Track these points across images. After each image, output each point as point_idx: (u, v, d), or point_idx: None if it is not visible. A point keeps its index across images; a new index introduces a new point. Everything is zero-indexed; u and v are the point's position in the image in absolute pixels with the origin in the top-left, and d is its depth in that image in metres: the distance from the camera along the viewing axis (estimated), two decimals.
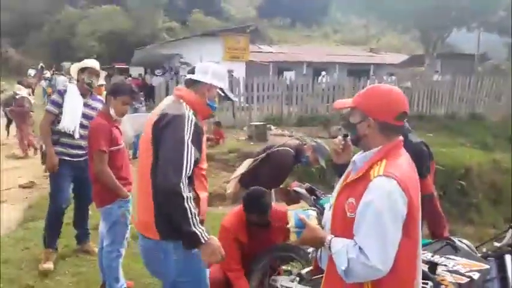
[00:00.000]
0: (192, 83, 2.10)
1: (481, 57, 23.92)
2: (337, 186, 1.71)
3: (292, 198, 3.37)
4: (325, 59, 26.27)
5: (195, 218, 1.85)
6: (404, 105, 1.60)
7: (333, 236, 1.57)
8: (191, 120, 1.93)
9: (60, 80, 18.94)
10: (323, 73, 17.97)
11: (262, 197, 3.03)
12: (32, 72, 28.53)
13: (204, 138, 2.07)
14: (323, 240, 1.57)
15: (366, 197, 1.47)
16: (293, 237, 1.68)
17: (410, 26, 19.49)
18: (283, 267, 3.30)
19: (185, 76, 2.23)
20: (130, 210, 3.19)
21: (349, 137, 1.74)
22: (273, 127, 11.29)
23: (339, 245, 1.51)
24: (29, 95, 10.45)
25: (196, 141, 1.93)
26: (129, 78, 17.06)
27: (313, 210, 1.74)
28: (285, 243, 2.98)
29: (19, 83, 21.76)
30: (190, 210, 1.83)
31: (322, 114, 12.77)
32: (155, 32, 33.88)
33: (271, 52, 26.21)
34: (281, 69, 22.34)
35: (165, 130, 1.92)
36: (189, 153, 1.87)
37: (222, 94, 2.14)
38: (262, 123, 10.53)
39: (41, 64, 33.52)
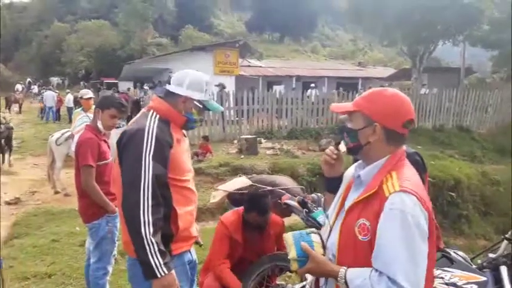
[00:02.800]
0: (168, 94, 2.01)
1: (467, 71, 24.39)
2: (334, 205, 1.54)
3: (284, 211, 3.32)
4: (314, 73, 26.52)
5: (153, 246, 1.71)
6: (412, 112, 1.45)
7: (345, 268, 1.35)
8: (152, 133, 1.82)
9: (49, 95, 18.87)
10: (312, 85, 18.09)
11: (264, 197, 3.04)
12: (19, 87, 28.35)
13: (181, 148, 1.97)
14: (335, 275, 1.36)
15: (386, 218, 1.29)
16: (294, 267, 1.44)
17: (397, 39, 19.80)
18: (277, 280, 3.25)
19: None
20: (118, 226, 3.12)
21: (341, 146, 1.57)
22: (263, 140, 11.28)
23: (359, 279, 1.30)
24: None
25: (159, 155, 1.80)
26: (115, 93, 16.98)
27: (315, 233, 1.50)
28: (286, 253, 2.92)
29: (7, 98, 21.58)
30: (146, 237, 1.69)
31: (312, 127, 12.81)
32: (144, 47, 33.98)
33: (261, 66, 26.38)
34: (270, 83, 22.49)
35: (125, 147, 1.84)
36: (148, 170, 1.75)
37: (200, 106, 2.02)
38: (252, 136, 10.51)
39: (29, 79, 33.31)
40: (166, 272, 1.74)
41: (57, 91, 21.15)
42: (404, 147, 1.48)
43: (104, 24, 35.73)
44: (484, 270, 2.19)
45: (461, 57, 22.98)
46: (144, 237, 1.71)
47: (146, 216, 1.72)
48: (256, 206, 3.01)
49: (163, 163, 1.84)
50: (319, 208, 3.03)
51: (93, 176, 2.94)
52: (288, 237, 1.48)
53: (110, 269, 3.14)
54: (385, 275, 1.27)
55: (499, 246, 2.23)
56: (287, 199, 3.23)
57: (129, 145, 1.82)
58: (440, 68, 28.21)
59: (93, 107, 5.66)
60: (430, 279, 1.38)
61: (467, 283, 2.09)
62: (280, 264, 3.05)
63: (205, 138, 10.10)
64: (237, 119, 12.36)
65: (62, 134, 7.11)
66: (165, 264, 1.74)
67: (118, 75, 24.90)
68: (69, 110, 17.10)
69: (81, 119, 5.97)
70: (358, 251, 1.35)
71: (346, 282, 1.33)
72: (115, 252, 3.19)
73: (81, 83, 29.42)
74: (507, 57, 19.30)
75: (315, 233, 1.49)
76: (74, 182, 3.16)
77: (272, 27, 45.68)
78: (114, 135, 5.29)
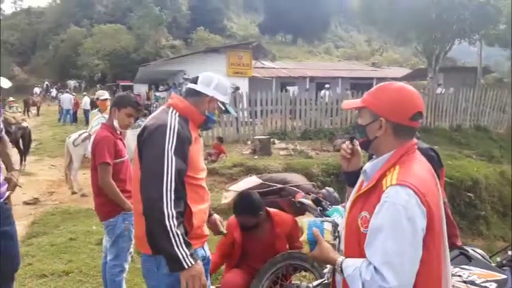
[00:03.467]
0: (193, 93, 2.05)
1: (484, 70, 23.97)
2: (350, 198, 1.56)
3: (298, 209, 3.30)
4: (327, 73, 26.37)
5: (179, 238, 1.71)
6: (419, 104, 1.44)
7: (343, 258, 1.41)
8: (173, 129, 1.84)
9: (66, 98, 19.21)
10: (327, 86, 17.98)
11: (251, 199, 3.03)
12: (37, 90, 28.93)
13: (197, 147, 2.00)
14: (333, 262, 1.43)
15: (379, 209, 1.32)
16: (306, 249, 1.55)
17: (412, 39, 19.58)
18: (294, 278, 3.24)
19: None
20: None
21: (356, 141, 1.60)
22: (276, 141, 11.27)
23: (351, 269, 1.35)
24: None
25: (180, 151, 1.83)
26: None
27: (330, 222, 1.57)
28: (300, 252, 2.93)
29: (25, 101, 22.02)
30: (171, 230, 1.70)
31: (326, 127, 12.76)
32: (158, 49, 34.37)
33: (274, 68, 26.36)
34: (284, 84, 22.44)
35: (146, 142, 1.85)
36: (170, 165, 1.77)
37: (223, 108, 2.08)
38: (266, 137, 10.51)
39: (47, 82, 33.94)
40: (193, 262, 1.75)
41: (74, 94, 21.50)
42: (415, 140, 1.48)
43: (119, 28, 36.23)
44: (504, 268, 2.15)
45: (477, 57, 22.60)
46: (170, 229, 1.72)
47: (170, 209, 1.74)
48: (243, 208, 3.02)
49: (184, 159, 1.87)
50: (334, 206, 3.01)
51: (110, 173, 2.97)
52: (304, 223, 1.58)
53: (127, 266, 3.16)
54: (372, 265, 1.30)
55: None
56: (301, 197, 3.21)
57: (151, 140, 1.84)
58: (456, 67, 27.75)
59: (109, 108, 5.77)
60: (433, 279, 1.37)
61: (486, 281, 2.04)
62: (294, 263, 3.04)
63: (220, 139, 10.14)
64: (250, 120, 12.39)
65: (79, 135, 7.22)
66: (191, 255, 1.75)
67: (133, 77, 25.19)
68: (86, 113, 17.37)
69: (98, 120, 6.07)
70: (361, 241, 1.38)
71: (342, 271, 1.39)
72: (131, 249, 3.22)
73: (98, 85, 29.86)
74: None
75: (330, 221, 1.57)
76: (90, 180, 3.20)
77: (285, 29, 45.67)
78: (130, 135, 5.38)
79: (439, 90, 16.68)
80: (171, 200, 1.75)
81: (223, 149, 9.83)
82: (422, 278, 1.32)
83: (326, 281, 2.52)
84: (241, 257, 3.18)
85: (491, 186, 9.76)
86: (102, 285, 3.35)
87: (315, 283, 2.73)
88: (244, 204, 3.03)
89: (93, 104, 13.43)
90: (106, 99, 6.11)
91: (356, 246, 1.40)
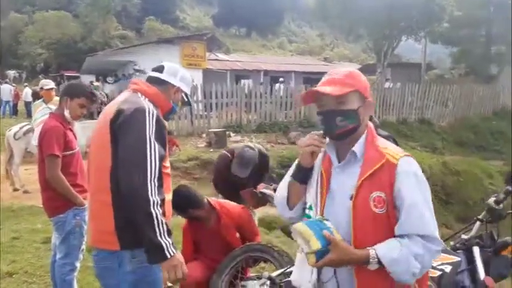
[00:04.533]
0: (158, 82, 1.96)
1: (427, 67, 25.30)
2: (315, 193, 1.47)
3: (259, 200, 3.28)
4: (281, 67, 26.62)
5: (162, 226, 1.64)
6: None
7: (373, 248, 1.33)
8: (152, 114, 1.75)
9: (5, 89, 17.92)
10: (281, 79, 18.14)
11: (180, 195, 2.88)
12: None
13: (167, 136, 1.92)
14: (364, 258, 1.32)
15: (404, 182, 1.35)
16: (312, 261, 1.32)
17: (363, 36, 20.28)
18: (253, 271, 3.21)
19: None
20: (86, 219, 2.98)
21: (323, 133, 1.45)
22: (232, 134, 11.21)
23: (394, 252, 1.31)
24: None
25: (160, 137, 1.75)
26: None
27: (326, 219, 1.39)
28: (259, 243, 2.90)
29: None
30: (157, 218, 1.63)
31: (280, 121, 12.88)
32: (107, 39, 32.89)
33: (228, 60, 26.20)
34: (238, 77, 22.37)
35: (124, 126, 1.72)
36: (153, 151, 1.69)
37: (186, 99, 2.07)
38: (221, 130, 10.41)
39: None
40: (174, 251, 1.68)
41: (14, 85, 20.10)
42: None
43: (64, 15, 34.21)
44: (458, 251, 2.25)
45: (422, 53, 23.81)
46: (155, 218, 1.63)
47: (154, 196, 1.65)
48: (175, 205, 2.92)
49: (164, 145, 1.80)
50: None
51: (59, 166, 2.78)
52: (303, 228, 1.34)
53: (78, 265, 2.99)
54: (415, 236, 1.32)
55: (472, 228, 2.29)
56: (262, 188, 3.19)
57: (131, 124, 1.73)
58: (402, 63, 29.05)
59: (55, 98, 5.40)
60: None
61: (442, 264, 2.13)
62: (254, 255, 3.01)
63: (169, 132, 9.89)
64: (205, 113, 12.22)
65: (20, 128, 6.77)
66: (172, 244, 1.68)
67: (79, 68, 23.99)
68: (27, 105, 16.36)
69: (42, 111, 5.67)
70: (378, 225, 1.36)
71: (379, 261, 1.32)
72: (83, 247, 3.04)
73: (40, 76, 28.09)
74: (465, 53, 20.18)
75: (325, 219, 1.39)
76: (38, 174, 2.98)
77: (239, 22, 45.48)
78: (79, 128, 5.08)
79: (387, 84, 17.37)
80: (155, 187, 1.66)
81: (175, 141, 9.57)
82: None
83: (288, 270, 2.52)
84: (195, 248, 3.15)
85: (435, 176, 10.30)
86: (50, 286, 3.15)
87: (277, 273, 2.72)
88: (173, 200, 2.90)
89: (36, 95, 12.65)
90: (51, 88, 5.72)
91: (370, 231, 1.36)
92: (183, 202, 2.89)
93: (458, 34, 19.98)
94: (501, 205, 2.18)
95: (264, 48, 42.76)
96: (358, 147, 1.44)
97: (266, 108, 12.90)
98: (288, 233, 3.14)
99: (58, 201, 2.85)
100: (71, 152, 2.89)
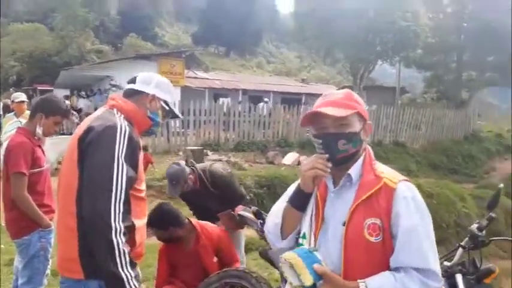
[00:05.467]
0: (132, 94, 1.84)
1: (401, 91, 26.04)
2: (310, 221, 1.37)
3: (237, 222, 3.18)
4: (259, 87, 26.81)
5: (124, 257, 1.51)
6: None
7: (363, 281, 1.22)
8: (124, 132, 1.62)
9: None
10: (266, 99, 18.15)
11: (163, 212, 2.86)
12: None
13: (141, 155, 1.78)
14: None
15: (402, 208, 1.24)
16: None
17: (340, 59, 20.77)
18: None
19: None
20: (52, 242, 2.80)
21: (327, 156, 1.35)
22: (209, 152, 11.08)
23: (387, 287, 1.21)
24: None
25: (131, 157, 1.62)
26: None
27: (315, 250, 1.29)
28: (236, 269, 2.78)
29: None
30: (119, 247, 1.50)
31: (259, 140, 12.86)
32: (84, 53, 32.39)
33: (207, 78, 26.20)
34: (217, 95, 22.35)
35: (92, 145, 1.59)
36: (120, 173, 1.56)
37: (167, 108, 1.90)
38: (199, 148, 10.27)
39: None
40: (137, 285, 1.55)
41: None
42: None
43: (39, 27, 33.63)
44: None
45: (397, 77, 24.52)
46: (116, 247, 1.49)
47: (118, 223, 1.51)
48: (153, 223, 2.74)
49: (135, 167, 1.65)
50: None
51: (25, 185, 2.61)
52: (294, 258, 1.22)
53: None
54: (412, 270, 1.21)
55: (454, 255, 2.25)
56: (241, 210, 3.09)
57: (99, 143, 1.59)
58: (378, 86, 29.84)
59: (26, 112, 5.18)
60: None
61: None
62: (231, 281, 2.89)
63: (144, 147, 9.66)
64: (182, 130, 12.07)
65: None
66: (135, 277, 1.54)
67: (53, 82, 23.44)
68: None
69: (13, 125, 5.42)
70: (372, 255, 1.25)
71: None
72: (48, 271, 2.85)
73: (11, 89, 27.28)
74: (438, 78, 20.89)
75: (315, 250, 1.29)
76: (1, 192, 2.79)
77: (218, 41, 45.82)
78: (49, 144, 4.86)
79: None
80: (119, 213, 1.52)
81: (150, 158, 9.36)
82: None
83: None
84: (171, 272, 3.03)
85: None
86: None
87: None
88: (155, 217, 2.76)
89: (6, 109, 12.21)
90: (23, 101, 5.51)
91: (364, 262, 1.25)
92: (165, 219, 2.81)
93: (431, 60, 20.74)
94: (484, 232, 2.16)
95: (242, 68, 43.12)
96: (354, 170, 1.34)
97: (244, 127, 12.88)
98: (264, 256, 3.03)
99: (23, 221, 2.68)
100: (38, 169, 2.74)
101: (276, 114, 13.60)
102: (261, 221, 2.90)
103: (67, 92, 22.55)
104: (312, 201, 1.40)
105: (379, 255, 1.25)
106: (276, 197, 8.62)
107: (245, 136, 12.79)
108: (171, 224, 2.85)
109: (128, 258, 1.53)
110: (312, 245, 1.34)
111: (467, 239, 2.21)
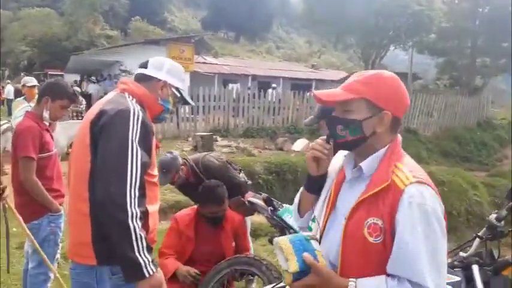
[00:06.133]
0: (143, 78, 1.80)
1: (413, 77, 25.63)
2: (321, 207, 1.36)
3: (247, 209, 3.15)
4: (269, 73, 26.57)
5: (141, 242, 1.49)
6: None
7: (354, 280, 1.16)
8: (137, 116, 1.59)
9: None
10: (274, 85, 18.05)
11: (217, 187, 2.96)
12: None
13: (154, 139, 1.75)
14: None
15: (405, 213, 1.13)
16: (288, 280, 1.18)
17: (351, 44, 20.42)
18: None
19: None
20: (62, 226, 2.80)
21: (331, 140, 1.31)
22: (219, 138, 11.05)
23: None
24: None
25: (144, 142, 1.59)
26: None
27: (315, 239, 1.25)
28: (247, 256, 2.76)
29: None
30: (135, 232, 1.47)
31: (268, 126, 12.80)
32: (93, 38, 32.38)
33: (217, 64, 26.03)
34: (226, 81, 22.22)
35: (105, 129, 1.57)
36: (135, 157, 1.53)
37: (178, 95, 1.86)
38: (208, 133, 10.25)
39: None
40: (154, 270, 1.52)
41: None
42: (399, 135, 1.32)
43: (49, 12, 33.66)
44: (455, 269, 2.14)
45: (408, 63, 24.11)
46: (133, 232, 1.47)
47: (134, 208, 1.49)
48: (210, 198, 2.91)
49: (148, 151, 1.62)
50: (285, 205, 2.88)
51: (34, 169, 2.60)
52: (285, 243, 1.19)
53: (52, 275, 2.80)
54: (406, 280, 1.11)
55: (470, 245, 2.18)
56: (251, 196, 3.05)
57: (112, 127, 1.56)
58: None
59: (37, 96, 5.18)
60: None
61: None
62: (241, 268, 2.87)
63: None
64: (192, 115, 12.05)
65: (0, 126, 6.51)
66: (152, 261, 1.52)
67: (63, 66, 23.52)
68: (9, 102, 15.89)
69: (24, 109, 5.42)
70: (370, 255, 1.17)
71: None
72: (58, 255, 2.86)
73: (23, 73, 27.48)
74: (451, 64, 20.46)
75: (314, 238, 1.25)
76: (11, 177, 2.78)
77: (227, 26, 45.41)
78: (60, 128, 4.86)
79: None
80: (135, 198, 1.50)
81: (157, 143, 9.35)
82: None
83: (279, 286, 2.38)
84: (187, 248, 3.01)
85: None
86: None
87: None
88: (212, 193, 2.92)
89: (18, 93, 12.30)
90: (34, 86, 5.50)
91: (361, 261, 1.18)
92: (222, 193, 2.93)
93: (445, 45, 20.25)
94: (502, 222, 2.09)
95: (252, 53, 42.76)
96: (366, 163, 1.25)
97: (254, 113, 12.81)
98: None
99: (32, 206, 2.68)
100: (47, 154, 2.72)
101: (286, 100, 13.49)
102: (271, 208, 2.86)
103: (77, 77, 22.66)
104: (328, 186, 1.38)
105: (378, 256, 1.17)
106: (285, 183, 8.64)
107: (254, 122, 12.73)
108: (225, 200, 2.95)
109: (145, 243, 1.50)
110: (319, 230, 1.33)
111: (484, 229, 2.13)
